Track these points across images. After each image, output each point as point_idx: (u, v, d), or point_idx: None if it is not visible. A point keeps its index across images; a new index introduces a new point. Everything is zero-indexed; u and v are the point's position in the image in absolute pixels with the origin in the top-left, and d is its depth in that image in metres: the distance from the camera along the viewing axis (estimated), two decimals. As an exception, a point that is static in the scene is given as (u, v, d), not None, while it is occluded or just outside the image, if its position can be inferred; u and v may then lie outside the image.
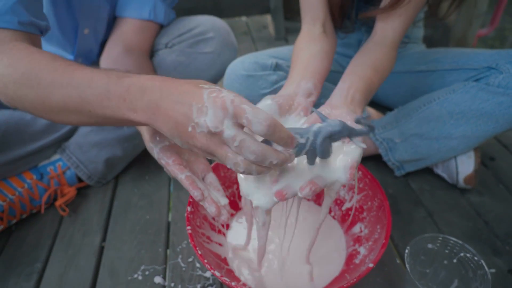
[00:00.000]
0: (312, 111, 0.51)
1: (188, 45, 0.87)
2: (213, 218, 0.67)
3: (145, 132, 0.57)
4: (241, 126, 0.37)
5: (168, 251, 0.73)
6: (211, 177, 0.57)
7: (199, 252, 0.54)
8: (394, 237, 0.74)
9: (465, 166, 0.82)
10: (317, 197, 0.77)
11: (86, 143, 0.83)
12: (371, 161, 0.90)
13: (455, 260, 0.59)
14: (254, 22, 1.91)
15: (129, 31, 0.80)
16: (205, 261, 0.52)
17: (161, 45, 0.87)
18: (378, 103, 1.06)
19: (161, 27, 0.88)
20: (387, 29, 0.67)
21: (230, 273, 0.61)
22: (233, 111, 0.36)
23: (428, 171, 0.89)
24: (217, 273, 0.51)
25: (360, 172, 0.67)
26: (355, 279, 0.50)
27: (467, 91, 0.75)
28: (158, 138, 0.55)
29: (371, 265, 0.51)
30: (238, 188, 0.74)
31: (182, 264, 0.70)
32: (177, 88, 0.39)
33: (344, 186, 0.72)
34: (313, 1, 0.71)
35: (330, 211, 0.74)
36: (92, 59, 0.87)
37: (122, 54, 0.77)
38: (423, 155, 0.83)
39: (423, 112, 0.80)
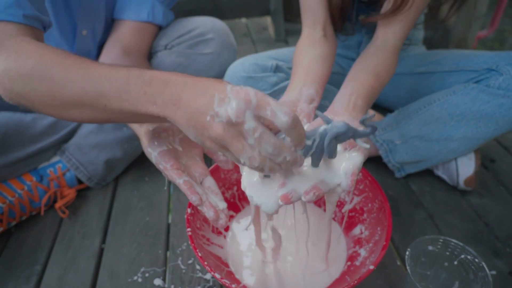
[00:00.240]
0: (316, 116, 0.51)
1: (187, 46, 0.87)
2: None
3: (143, 137, 0.57)
4: (261, 120, 0.37)
5: (168, 253, 0.73)
6: (209, 181, 0.57)
7: (199, 254, 0.53)
8: (394, 239, 0.74)
9: (465, 168, 0.82)
10: (318, 199, 0.76)
11: (86, 144, 0.83)
12: (371, 163, 0.90)
13: (456, 262, 0.59)
14: (254, 24, 1.91)
15: (127, 32, 0.80)
16: (205, 263, 0.52)
17: (160, 46, 0.87)
18: (379, 105, 1.06)
19: (160, 28, 0.88)
20: (388, 33, 0.67)
21: (230, 275, 0.61)
22: (257, 103, 0.36)
23: (428, 173, 0.89)
24: (217, 275, 0.51)
25: (360, 174, 0.67)
26: (355, 281, 0.50)
27: (468, 93, 0.75)
28: (156, 143, 0.55)
29: (371, 267, 0.51)
30: (238, 190, 0.74)
31: (182, 266, 0.70)
32: (201, 81, 0.39)
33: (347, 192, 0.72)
34: (314, 5, 0.71)
35: (330, 213, 0.74)
36: (90, 61, 0.87)
37: (120, 56, 0.77)
38: (424, 157, 0.83)
39: (423, 114, 0.80)
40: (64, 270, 0.70)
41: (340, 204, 0.72)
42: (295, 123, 0.37)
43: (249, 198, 0.47)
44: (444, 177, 0.86)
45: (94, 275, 0.69)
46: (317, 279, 0.62)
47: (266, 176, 0.46)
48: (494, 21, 1.34)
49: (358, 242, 0.65)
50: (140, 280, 0.68)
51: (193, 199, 0.50)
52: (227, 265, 0.64)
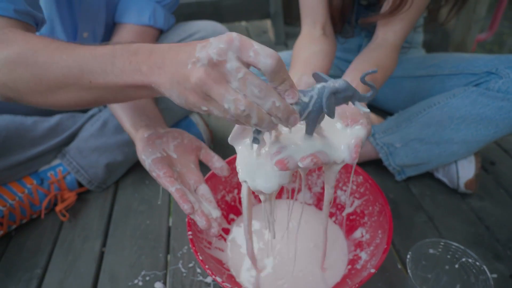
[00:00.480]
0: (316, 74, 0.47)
1: None
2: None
3: (138, 143, 0.57)
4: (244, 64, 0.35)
5: (169, 257, 0.73)
6: (204, 189, 0.56)
7: (200, 258, 0.53)
8: (395, 242, 0.74)
9: (465, 171, 0.82)
10: (318, 201, 0.76)
11: (87, 148, 0.83)
12: (371, 166, 0.90)
13: (457, 265, 0.59)
14: (254, 27, 1.91)
15: (128, 36, 0.80)
16: (206, 266, 0.52)
17: (162, 50, 0.87)
18: (379, 108, 1.06)
19: (161, 32, 0.89)
20: (388, 32, 0.67)
21: (231, 278, 0.61)
22: (239, 44, 0.34)
23: (428, 176, 0.90)
24: (219, 279, 0.51)
25: (361, 177, 0.67)
26: (356, 285, 0.50)
27: (467, 96, 0.75)
28: (150, 150, 0.55)
29: (372, 270, 0.51)
30: (239, 193, 0.74)
31: (183, 270, 0.69)
32: (187, 43, 0.38)
33: (348, 196, 0.72)
34: (314, 4, 0.71)
35: (331, 216, 0.74)
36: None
37: None
38: (424, 160, 0.83)
39: (423, 117, 0.80)
40: (64, 274, 0.70)
41: (341, 207, 0.72)
42: (280, 66, 0.34)
43: (243, 180, 0.45)
44: (445, 180, 0.86)
45: (95, 278, 0.69)
46: (318, 282, 0.62)
47: (256, 140, 0.42)
48: (493, 24, 1.35)
49: (359, 245, 0.65)
50: (140, 283, 0.68)
51: (185, 207, 0.50)
52: (228, 269, 0.64)
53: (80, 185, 0.87)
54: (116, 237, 0.78)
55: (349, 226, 0.70)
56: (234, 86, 0.35)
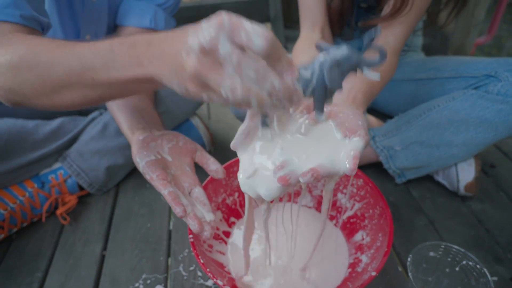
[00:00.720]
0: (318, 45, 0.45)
1: None
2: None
3: (133, 145, 0.57)
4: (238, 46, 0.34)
5: (170, 260, 0.73)
6: (198, 192, 0.56)
7: (202, 261, 0.53)
8: (395, 245, 0.74)
9: (465, 174, 0.82)
10: (318, 204, 0.77)
11: (87, 151, 0.83)
12: (371, 169, 0.91)
13: (457, 268, 0.59)
14: (253, 30, 1.92)
15: None
16: (208, 269, 0.52)
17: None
18: (378, 111, 1.06)
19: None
20: (388, 36, 0.68)
21: (232, 281, 0.61)
22: (230, 26, 0.32)
23: (428, 179, 0.90)
24: (220, 282, 0.51)
25: (361, 180, 0.68)
26: (358, 288, 0.50)
27: (467, 99, 0.76)
28: (144, 152, 0.55)
29: (373, 273, 0.51)
30: (239, 196, 0.74)
31: (184, 273, 0.70)
32: (182, 29, 0.37)
33: (348, 198, 0.72)
34: (313, 7, 0.72)
35: (331, 219, 0.74)
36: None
37: None
38: (424, 163, 0.83)
39: (423, 120, 0.81)
40: (65, 277, 0.70)
41: (341, 210, 0.72)
42: (273, 45, 0.32)
43: (244, 191, 0.46)
44: (445, 183, 0.86)
45: (95, 282, 0.69)
46: (319, 286, 0.62)
47: (264, 124, 0.40)
48: (492, 28, 1.35)
49: (359, 248, 0.65)
50: (141, 287, 0.67)
51: (177, 210, 0.49)
52: (228, 272, 0.64)
53: (81, 188, 0.87)
54: (117, 240, 0.78)
55: (350, 229, 0.70)
56: (229, 71, 0.33)
